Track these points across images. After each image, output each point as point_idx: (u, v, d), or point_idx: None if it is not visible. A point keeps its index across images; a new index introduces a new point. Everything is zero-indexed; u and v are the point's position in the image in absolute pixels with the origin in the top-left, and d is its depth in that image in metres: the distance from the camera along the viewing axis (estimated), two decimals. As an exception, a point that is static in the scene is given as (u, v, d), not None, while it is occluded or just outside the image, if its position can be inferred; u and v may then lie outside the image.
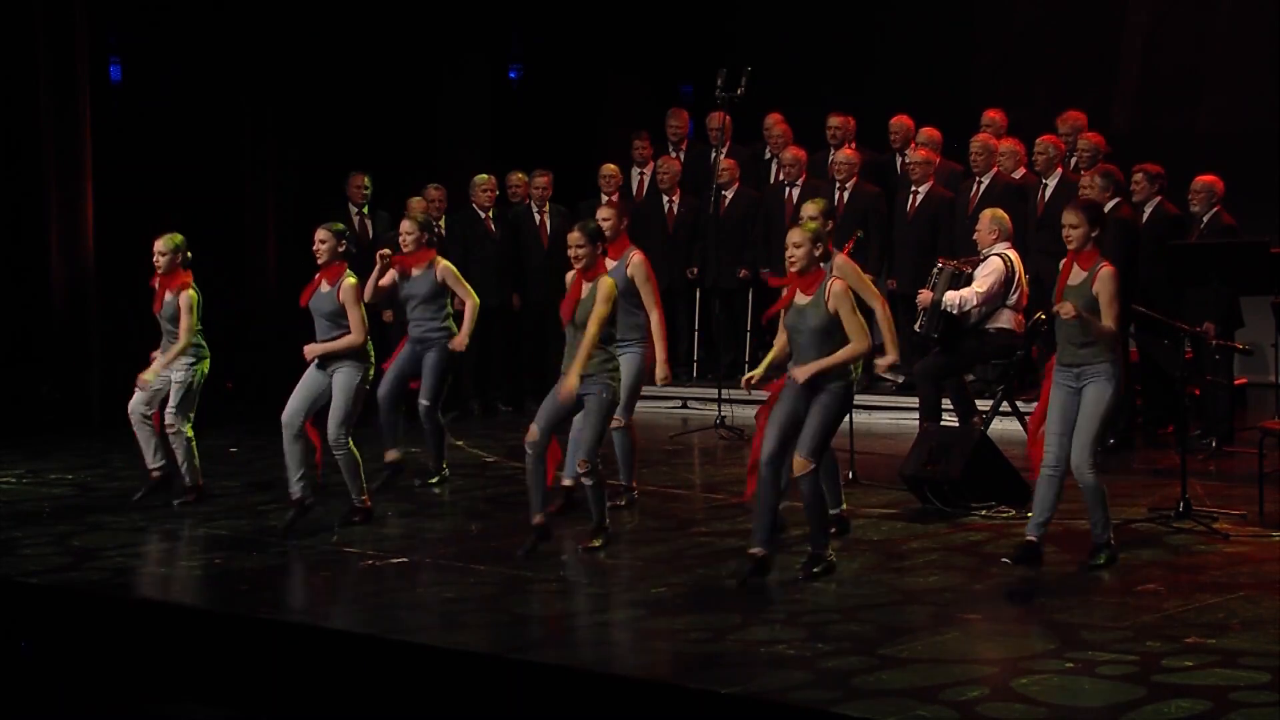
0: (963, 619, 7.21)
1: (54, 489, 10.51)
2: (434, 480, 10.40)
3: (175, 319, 9.70)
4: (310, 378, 9.22)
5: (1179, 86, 14.31)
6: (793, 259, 7.90)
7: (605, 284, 8.46)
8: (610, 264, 9.01)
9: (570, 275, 8.64)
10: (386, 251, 10.10)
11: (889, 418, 12.64)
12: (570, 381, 8.38)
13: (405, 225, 10.36)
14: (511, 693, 6.66)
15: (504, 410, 13.46)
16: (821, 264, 8.02)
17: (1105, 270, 8.04)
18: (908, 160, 12.94)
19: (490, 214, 13.48)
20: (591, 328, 8.37)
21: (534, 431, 8.48)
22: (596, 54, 15.44)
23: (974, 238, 10.46)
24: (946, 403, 10.75)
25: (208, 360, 9.82)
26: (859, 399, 11.43)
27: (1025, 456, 8.75)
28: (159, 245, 9.78)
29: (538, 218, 13.64)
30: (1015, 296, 10.27)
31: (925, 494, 9.44)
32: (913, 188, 12.81)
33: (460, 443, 11.87)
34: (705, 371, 13.96)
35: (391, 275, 10.07)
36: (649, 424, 11.74)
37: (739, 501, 9.82)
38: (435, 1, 14.59)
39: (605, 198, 13.35)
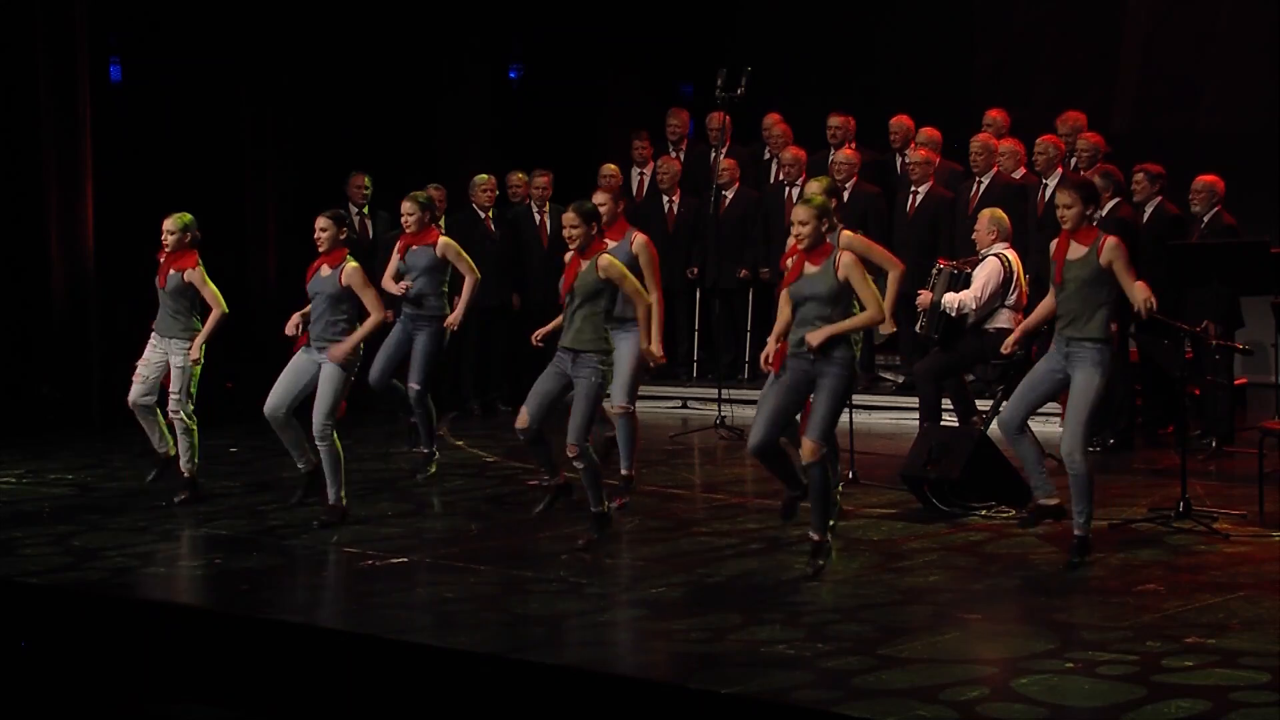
0: (962, 619, 7.21)
1: (54, 489, 10.50)
2: (430, 468, 10.45)
3: (179, 295, 9.64)
4: (297, 366, 9.22)
5: (1179, 86, 14.30)
6: (800, 236, 7.80)
7: (609, 259, 8.46)
8: (610, 244, 9.00)
9: (568, 255, 8.66)
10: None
11: (889, 418, 12.65)
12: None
13: (406, 206, 10.40)
14: (511, 693, 6.66)
15: (504, 410, 13.45)
16: (829, 238, 7.98)
17: (1110, 240, 8.00)
18: (908, 160, 12.94)
19: (490, 214, 13.48)
20: (630, 285, 8.54)
21: (524, 416, 8.51)
22: (596, 54, 15.42)
23: (972, 238, 10.46)
24: (946, 403, 10.75)
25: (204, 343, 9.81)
26: (859, 399, 11.49)
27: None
28: (168, 224, 9.74)
29: (538, 218, 13.64)
30: (1015, 296, 10.25)
31: (925, 494, 9.44)
32: (913, 188, 12.81)
33: (460, 443, 11.87)
34: (705, 371, 13.96)
35: (399, 276, 10.15)
36: (649, 424, 11.72)
37: (739, 501, 9.84)
38: (435, 2, 14.60)
39: (604, 195, 13.36)
